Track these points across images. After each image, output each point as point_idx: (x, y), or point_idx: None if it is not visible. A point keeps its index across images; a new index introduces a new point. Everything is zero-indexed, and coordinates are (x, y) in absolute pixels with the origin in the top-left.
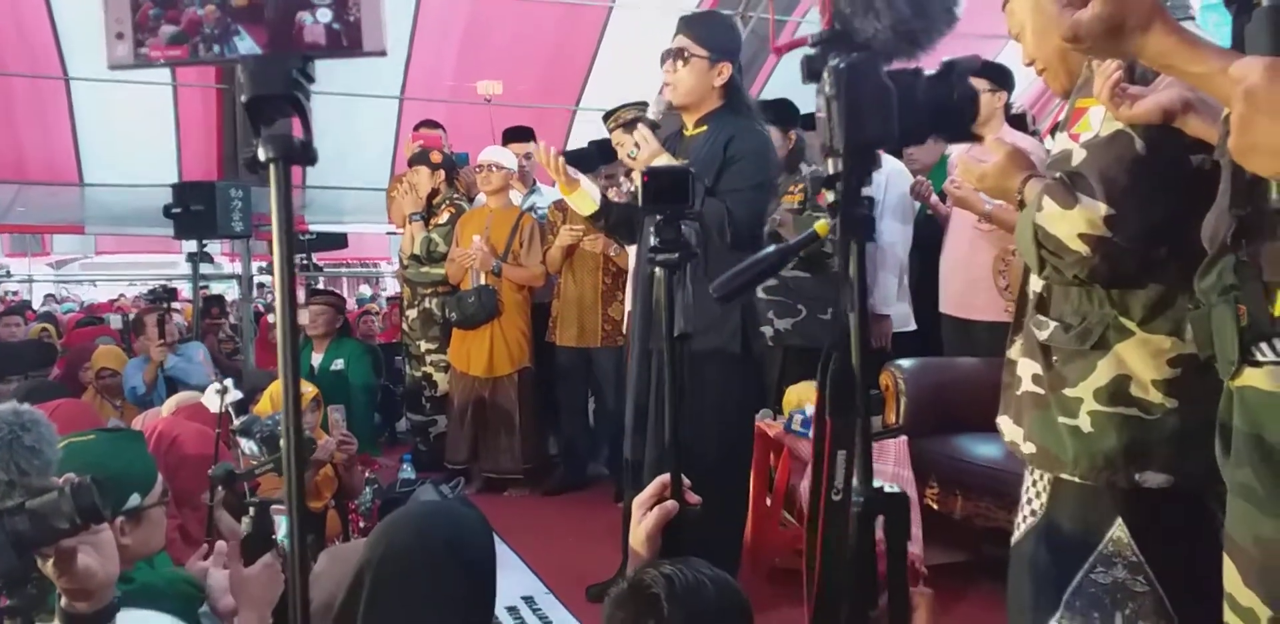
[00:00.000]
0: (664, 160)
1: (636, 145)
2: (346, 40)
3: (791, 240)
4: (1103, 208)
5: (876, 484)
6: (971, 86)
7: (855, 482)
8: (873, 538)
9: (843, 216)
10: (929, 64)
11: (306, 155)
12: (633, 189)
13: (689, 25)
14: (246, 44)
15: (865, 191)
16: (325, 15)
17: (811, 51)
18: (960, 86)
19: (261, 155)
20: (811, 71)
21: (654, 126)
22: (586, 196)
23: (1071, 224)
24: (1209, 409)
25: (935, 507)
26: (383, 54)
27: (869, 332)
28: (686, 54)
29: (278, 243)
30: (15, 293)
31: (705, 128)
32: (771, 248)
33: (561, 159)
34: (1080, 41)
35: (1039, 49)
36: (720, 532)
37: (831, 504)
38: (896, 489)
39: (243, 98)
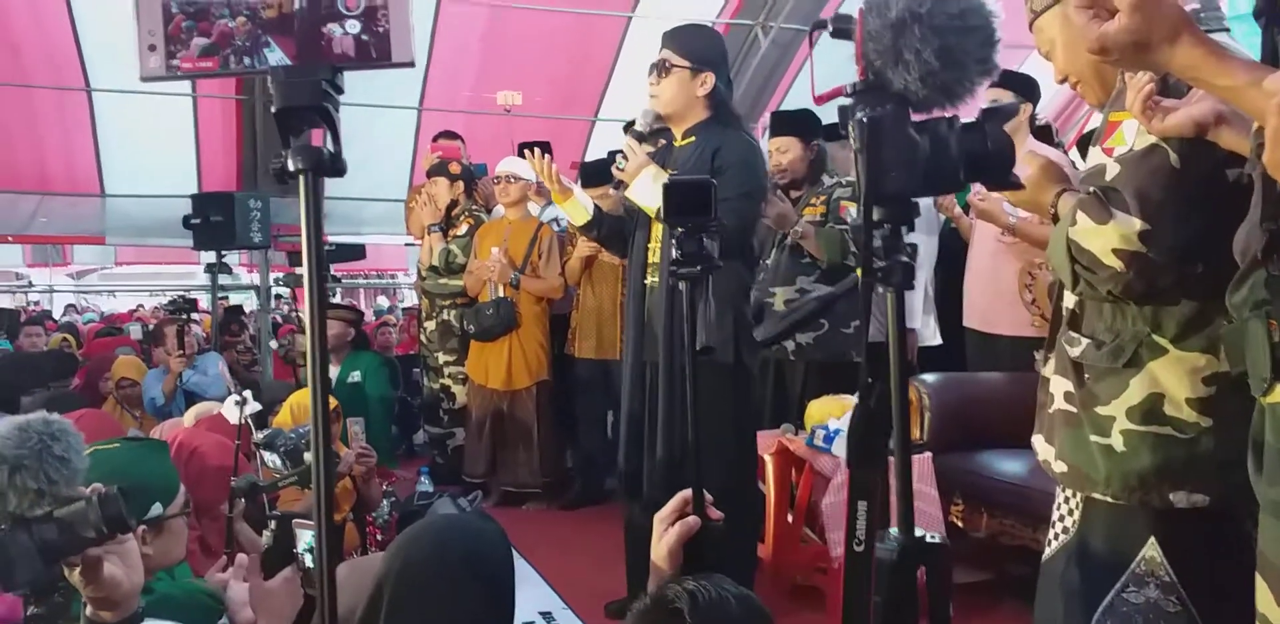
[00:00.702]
0: (651, 170)
1: (624, 156)
2: (375, 51)
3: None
4: (1138, 223)
5: (918, 533)
6: (1006, 135)
7: (894, 529)
8: (908, 589)
9: (864, 270)
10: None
11: (335, 167)
12: (625, 201)
13: (670, 38)
14: (276, 55)
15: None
16: (354, 26)
17: (847, 101)
18: (994, 136)
19: (291, 166)
20: (844, 121)
21: (641, 138)
22: (579, 206)
23: (1106, 239)
24: (1244, 428)
25: (960, 524)
26: (411, 64)
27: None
28: (668, 64)
29: (307, 253)
30: (36, 303)
31: (693, 138)
32: (813, 294)
33: (555, 167)
34: (1107, 54)
35: (1071, 63)
36: (731, 546)
37: (854, 555)
38: (938, 538)
39: (272, 109)
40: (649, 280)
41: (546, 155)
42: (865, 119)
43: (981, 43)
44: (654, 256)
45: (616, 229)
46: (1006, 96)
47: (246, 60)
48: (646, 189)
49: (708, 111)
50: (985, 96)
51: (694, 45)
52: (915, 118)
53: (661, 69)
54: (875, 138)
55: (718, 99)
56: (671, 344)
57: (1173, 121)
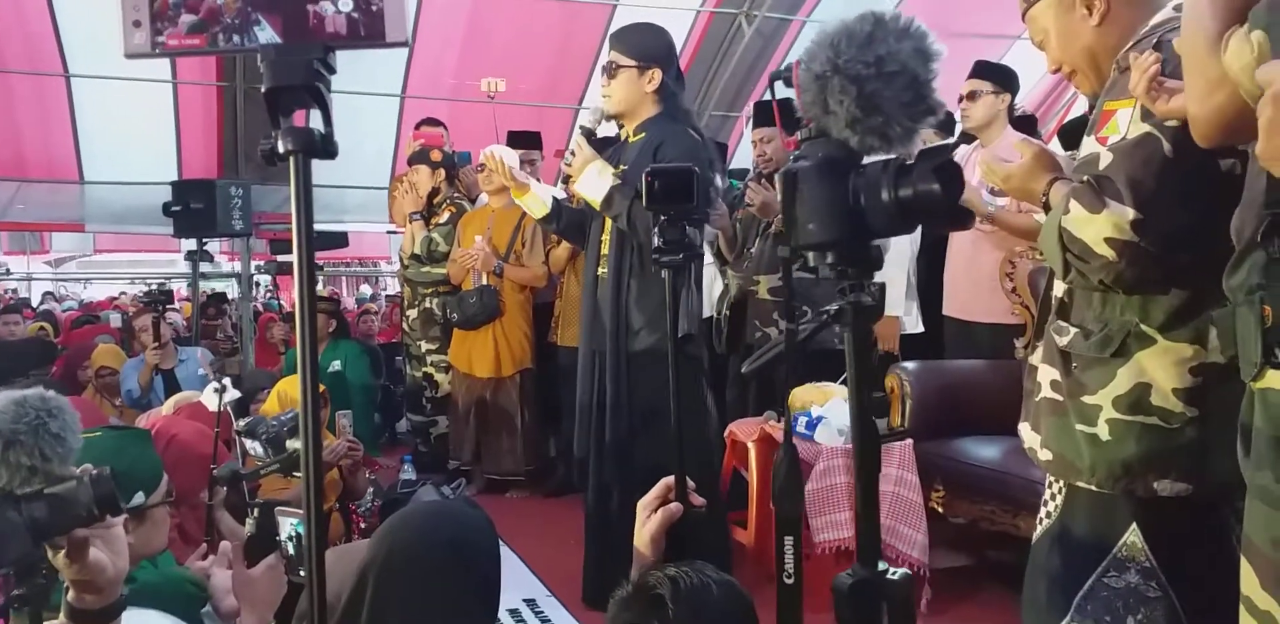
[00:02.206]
0: (597, 168)
1: (572, 152)
2: (367, 30)
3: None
4: (1131, 212)
5: (881, 567)
6: (940, 175)
7: (858, 564)
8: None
9: (788, 318)
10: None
11: (327, 148)
12: (575, 197)
13: (616, 39)
14: (267, 34)
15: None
16: (346, 5)
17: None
18: (923, 178)
19: (281, 148)
20: None
21: (588, 134)
22: (537, 199)
23: (1098, 228)
24: (1230, 418)
25: (940, 510)
26: (405, 44)
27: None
28: (614, 66)
29: (297, 237)
30: (14, 290)
31: (644, 134)
32: (800, 325)
33: (508, 163)
34: None
35: (1065, 52)
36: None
37: (784, 587)
38: (898, 575)
39: (262, 88)
40: (601, 271)
41: (499, 154)
42: (782, 173)
43: (903, 87)
44: (605, 248)
45: (575, 221)
46: (985, 88)
47: (236, 38)
48: (592, 183)
49: (658, 107)
50: (964, 88)
51: (638, 44)
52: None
53: (610, 71)
54: (791, 191)
55: (666, 94)
56: (617, 333)
57: (1177, 103)
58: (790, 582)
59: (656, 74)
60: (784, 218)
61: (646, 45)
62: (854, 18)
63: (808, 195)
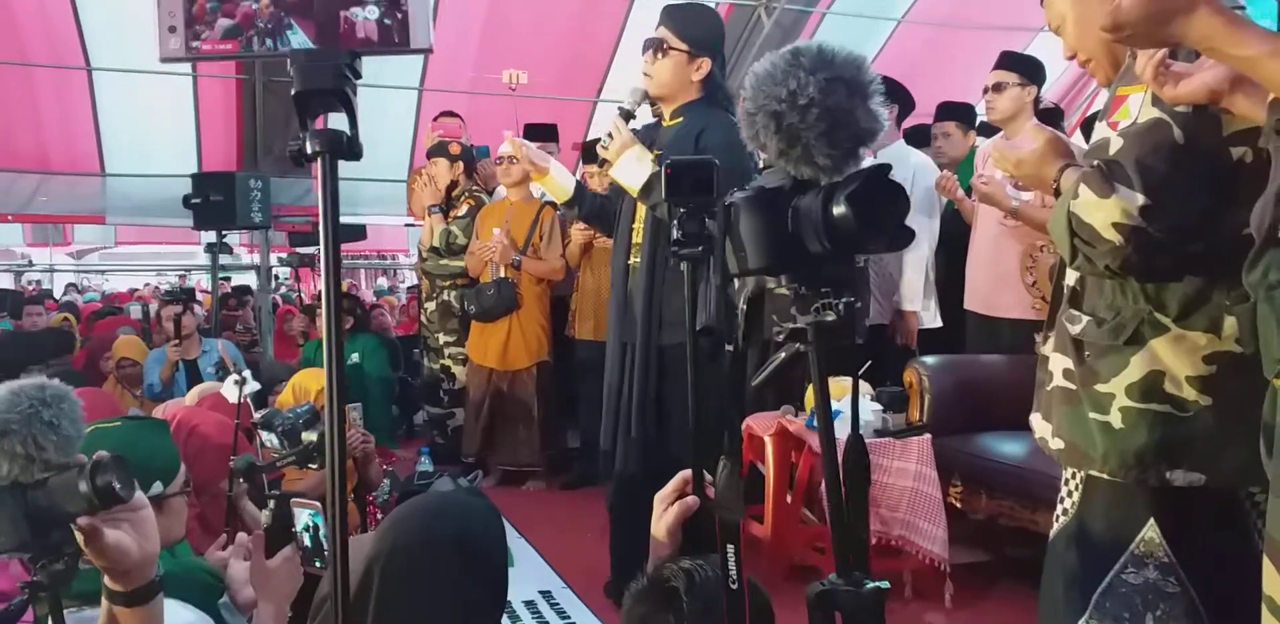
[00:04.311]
0: (635, 151)
1: (610, 135)
2: (396, 36)
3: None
4: (1140, 198)
5: (858, 579)
6: (855, 201)
7: (835, 575)
8: None
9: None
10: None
11: (353, 150)
12: (608, 181)
13: (671, 16)
14: (299, 38)
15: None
16: (374, 12)
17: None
18: (839, 208)
19: (309, 149)
20: None
21: (628, 116)
22: (558, 184)
23: (1107, 213)
24: (1244, 407)
25: (959, 506)
26: (429, 50)
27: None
28: (666, 46)
29: (324, 235)
30: (37, 282)
31: (681, 119)
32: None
33: (527, 147)
34: (1121, 30)
35: (1081, 40)
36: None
37: (730, 593)
38: (869, 587)
39: (292, 91)
40: (632, 260)
41: (517, 137)
42: (720, 205)
43: (818, 118)
44: (637, 237)
45: (600, 207)
46: (1011, 79)
47: (269, 42)
48: (630, 169)
49: (699, 92)
50: (989, 80)
51: (694, 28)
52: None
53: (659, 49)
54: (728, 221)
55: (711, 82)
56: (649, 324)
57: (1185, 88)
58: (735, 588)
59: (706, 64)
60: (718, 247)
61: (702, 32)
62: (778, 54)
63: (740, 224)
